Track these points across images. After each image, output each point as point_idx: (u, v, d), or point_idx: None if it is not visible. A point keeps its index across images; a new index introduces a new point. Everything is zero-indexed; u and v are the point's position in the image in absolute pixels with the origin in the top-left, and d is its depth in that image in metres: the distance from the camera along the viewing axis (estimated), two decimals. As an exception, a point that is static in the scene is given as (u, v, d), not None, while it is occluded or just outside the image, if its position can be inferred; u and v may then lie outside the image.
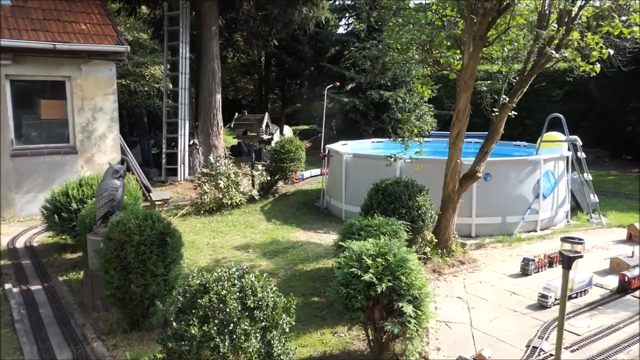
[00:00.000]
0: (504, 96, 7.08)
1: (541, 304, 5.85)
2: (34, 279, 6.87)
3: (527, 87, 7.12)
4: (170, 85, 14.95)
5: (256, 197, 11.26)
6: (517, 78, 7.27)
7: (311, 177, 14.29)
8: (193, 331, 3.20)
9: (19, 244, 8.54)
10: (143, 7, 18.13)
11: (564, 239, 6.91)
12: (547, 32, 6.35)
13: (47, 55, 10.38)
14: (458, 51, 7.24)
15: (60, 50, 10.28)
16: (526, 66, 7.08)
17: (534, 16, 6.88)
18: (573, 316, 5.58)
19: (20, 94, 10.60)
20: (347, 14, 23.88)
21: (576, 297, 6.05)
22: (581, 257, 3.67)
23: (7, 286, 6.44)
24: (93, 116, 11.22)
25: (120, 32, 11.82)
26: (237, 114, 16.08)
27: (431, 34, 6.94)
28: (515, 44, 6.87)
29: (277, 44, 21.23)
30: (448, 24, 7.33)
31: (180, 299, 3.44)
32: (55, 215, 7.47)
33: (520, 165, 9.16)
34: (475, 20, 6.39)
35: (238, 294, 3.39)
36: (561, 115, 10.21)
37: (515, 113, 7.43)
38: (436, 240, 7.11)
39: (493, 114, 7.15)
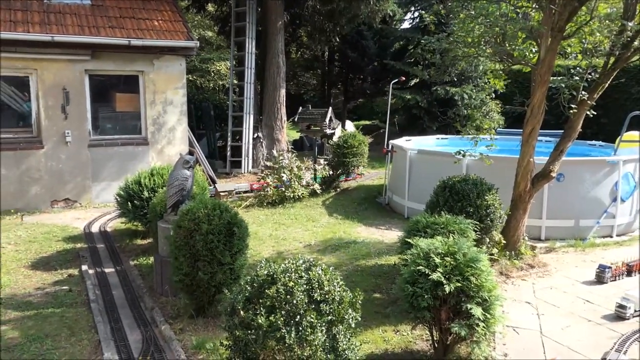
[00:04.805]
0: (582, 92, 6.68)
1: (618, 315, 5.48)
2: (108, 262, 7.24)
3: (608, 82, 6.69)
4: (236, 80, 15.26)
5: (318, 191, 11.30)
6: (592, 73, 6.83)
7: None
8: (260, 320, 3.22)
9: (94, 228, 9.03)
10: (210, 3, 18.59)
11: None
12: (634, 23, 5.92)
13: (122, 51, 10.88)
14: (534, 43, 6.88)
15: (134, 46, 10.74)
16: (608, 60, 6.64)
17: (619, 6, 6.43)
18: (654, 329, 5.21)
19: (97, 87, 11.17)
20: (413, 8, 23.39)
21: (657, 309, 5.63)
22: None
23: (84, 267, 6.82)
24: (164, 109, 11.65)
25: (190, 29, 12.18)
26: (300, 108, 16.19)
27: (504, 26, 6.64)
28: (598, 34, 6.43)
29: (340, 39, 21.14)
30: (522, 16, 6.99)
31: (248, 288, 3.48)
32: (128, 203, 7.79)
33: (596, 166, 8.63)
34: (554, 11, 6.06)
35: (305, 286, 3.38)
36: (644, 114, 9.55)
37: (595, 112, 7.01)
38: (504, 242, 6.83)
39: (571, 111, 6.77)
